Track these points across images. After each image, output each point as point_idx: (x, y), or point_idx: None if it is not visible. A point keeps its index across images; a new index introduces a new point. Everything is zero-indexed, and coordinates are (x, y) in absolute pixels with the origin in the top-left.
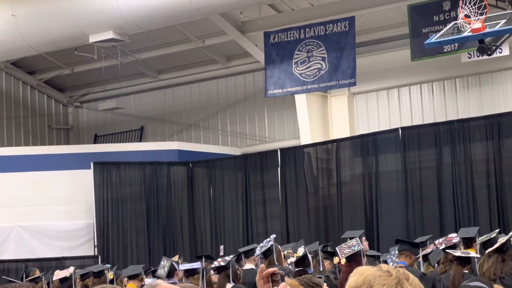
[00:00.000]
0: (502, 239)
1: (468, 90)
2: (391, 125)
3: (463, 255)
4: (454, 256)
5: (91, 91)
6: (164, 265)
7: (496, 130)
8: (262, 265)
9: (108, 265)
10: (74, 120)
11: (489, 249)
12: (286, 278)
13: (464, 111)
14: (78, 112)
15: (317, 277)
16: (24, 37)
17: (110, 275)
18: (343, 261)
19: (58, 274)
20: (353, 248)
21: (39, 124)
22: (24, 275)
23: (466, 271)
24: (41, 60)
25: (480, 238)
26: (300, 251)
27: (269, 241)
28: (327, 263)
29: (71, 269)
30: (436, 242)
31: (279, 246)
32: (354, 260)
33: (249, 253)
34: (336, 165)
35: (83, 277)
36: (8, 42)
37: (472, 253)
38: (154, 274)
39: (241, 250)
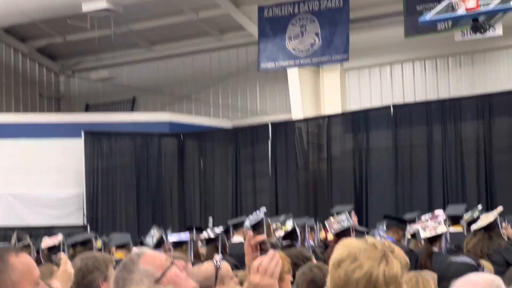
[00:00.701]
0: (487, 216)
1: (461, 69)
2: (383, 102)
3: (429, 235)
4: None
5: (83, 61)
6: (153, 234)
7: (487, 110)
8: (250, 233)
9: (92, 234)
10: (66, 89)
11: (476, 227)
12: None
13: (456, 90)
14: (70, 81)
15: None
16: (16, 3)
17: (98, 244)
18: (330, 236)
19: (47, 242)
20: (342, 223)
21: (30, 92)
22: (16, 241)
23: (436, 249)
24: (33, 28)
25: (465, 218)
26: (289, 224)
27: (259, 214)
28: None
29: (60, 236)
30: (423, 218)
31: (268, 220)
32: (343, 235)
33: (238, 226)
34: (327, 141)
35: (72, 246)
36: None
37: (440, 229)
38: (142, 244)
39: (230, 222)
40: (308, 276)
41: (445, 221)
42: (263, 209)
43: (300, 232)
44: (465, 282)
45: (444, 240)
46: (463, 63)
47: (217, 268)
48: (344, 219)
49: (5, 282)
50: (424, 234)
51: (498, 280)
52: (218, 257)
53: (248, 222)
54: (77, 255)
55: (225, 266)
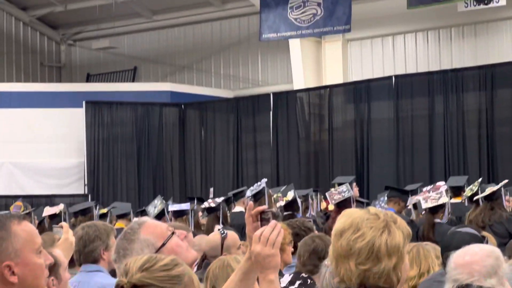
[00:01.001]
0: (491, 188)
1: (463, 40)
2: (385, 73)
3: (431, 205)
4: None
5: (84, 30)
6: (156, 204)
7: (489, 81)
8: (251, 203)
9: (93, 203)
10: (67, 58)
11: (478, 197)
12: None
13: (458, 61)
14: (71, 50)
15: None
16: None
17: (103, 210)
18: (331, 207)
19: (48, 211)
20: (343, 194)
21: (31, 61)
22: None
23: (438, 220)
24: None
25: (466, 192)
26: (290, 195)
27: (260, 184)
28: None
29: (61, 206)
30: (424, 189)
31: (270, 190)
32: (343, 206)
33: (238, 196)
34: (328, 111)
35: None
36: None
37: (442, 200)
38: (142, 214)
39: (231, 193)
40: (310, 246)
41: (446, 191)
42: (264, 180)
43: (302, 203)
44: (465, 253)
45: (446, 211)
46: (466, 34)
47: (223, 238)
48: (344, 189)
49: (8, 249)
50: (425, 205)
51: (497, 251)
52: (218, 227)
53: (249, 192)
54: (78, 224)
55: (232, 236)
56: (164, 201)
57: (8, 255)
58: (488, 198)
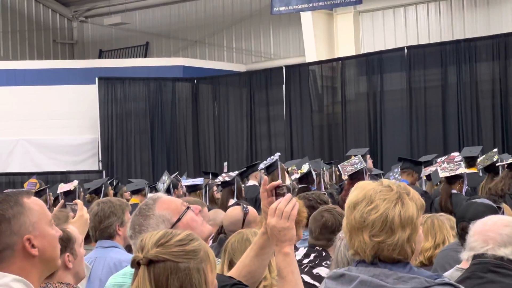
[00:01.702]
0: None
1: (476, 9)
2: (397, 44)
3: (449, 174)
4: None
5: (96, 6)
6: (164, 180)
7: (502, 50)
8: (266, 177)
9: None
10: (79, 35)
11: (501, 164)
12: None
13: (471, 31)
14: (83, 27)
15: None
16: None
17: (109, 190)
18: (344, 178)
19: (63, 187)
20: (355, 166)
21: (43, 39)
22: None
23: (455, 191)
24: None
25: (480, 160)
26: (305, 168)
27: (273, 158)
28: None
29: (75, 182)
30: (439, 160)
31: (283, 164)
32: (356, 178)
33: (251, 170)
34: (341, 83)
35: (87, 191)
36: None
37: (461, 170)
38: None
39: (245, 166)
40: (319, 221)
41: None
42: (278, 154)
43: (316, 175)
44: (483, 222)
45: (465, 181)
46: (478, 3)
47: (245, 213)
48: (357, 161)
49: (26, 223)
50: (443, 174)
51: None
52: (233, 201)
53: (262, 165)
54: (93, 200)
55: (253, 211)
56: (170, 176)
57: (27, 228)
58: (509, 166)
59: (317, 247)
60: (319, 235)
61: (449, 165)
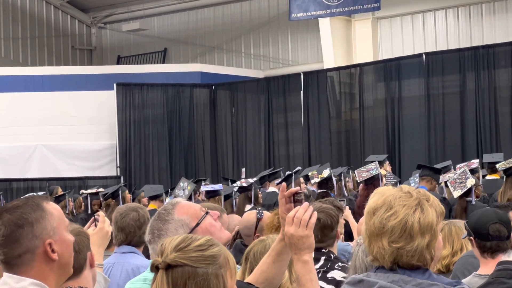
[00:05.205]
0: None
1: (494, 16)
2: (415, 51)
3: (461, 192)
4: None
5: (115, 12)
6: (184, 187)
7: None
8: (284, 184)
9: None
10: (98, 41)
11: None
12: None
13: (490, 37)
14: (102, 33)
15: (340, 200)
16: None
17: (126, 194)
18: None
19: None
20: (371, 171)
21: (62, 45)
22: (47, 193)
23: (470, 198)
24: None
25: (500, 164)
26: (325, 172)
27: (294, 171)
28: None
29: (94, 189)
30: (457, 166)
31: (300, 178)
32: (371, 183)
33: (273, 177)
34: (359, 90)
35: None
36: None
37: (469, 182)
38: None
39: (264, 173)
40: (317, 225)
41: (475, 169)
42: (298, 168)
43: (336, 182)
44: None
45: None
46: (497, 10)
47: (258, 218)
48: (373, 167)
49: (47, 228)
50: (456, 193)
51: None
52: (249, 207)
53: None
54: (113, 206)
55: (267, 217)
56: (190, 181)
57: (48, 233)
58: None
59: (323, 250)
60: (323, 237)
61: (456, 176)
